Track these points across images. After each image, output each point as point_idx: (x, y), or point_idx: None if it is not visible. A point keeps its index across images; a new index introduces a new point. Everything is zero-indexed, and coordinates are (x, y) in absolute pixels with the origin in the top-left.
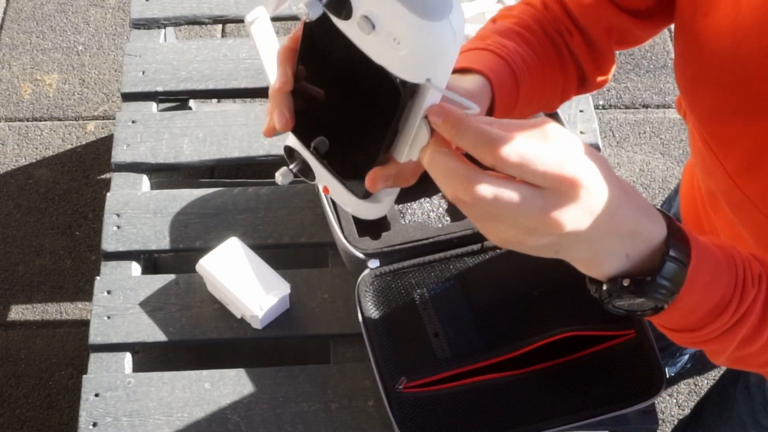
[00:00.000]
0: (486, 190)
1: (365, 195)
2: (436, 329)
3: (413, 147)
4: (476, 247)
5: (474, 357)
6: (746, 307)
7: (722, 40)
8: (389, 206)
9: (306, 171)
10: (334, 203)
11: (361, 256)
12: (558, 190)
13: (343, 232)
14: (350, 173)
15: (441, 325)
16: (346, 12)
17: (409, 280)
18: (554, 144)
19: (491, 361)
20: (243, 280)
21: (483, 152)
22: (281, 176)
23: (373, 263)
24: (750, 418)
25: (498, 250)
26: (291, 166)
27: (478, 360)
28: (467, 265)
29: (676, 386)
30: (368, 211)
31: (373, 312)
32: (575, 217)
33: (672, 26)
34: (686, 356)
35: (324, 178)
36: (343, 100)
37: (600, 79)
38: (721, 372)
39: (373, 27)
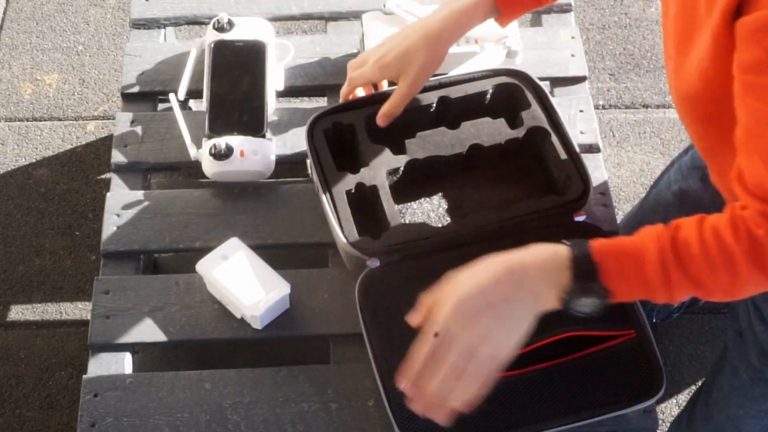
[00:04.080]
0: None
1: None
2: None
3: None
4: (476, 247)
5: None
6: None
7: None
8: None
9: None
10: (334, 203)
11: (361, 256)
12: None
13: (343, 232)
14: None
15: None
16: None
17: (409, 279)
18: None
19: None
20: (243, 280)
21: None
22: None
23: (373, 263)
24: (742, 362)
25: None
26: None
27: None
28: (467, 265)
29: (677, 386)
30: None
31: (373, 312)
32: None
33: None
34: (674, 305)
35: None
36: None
37: None
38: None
39: None
